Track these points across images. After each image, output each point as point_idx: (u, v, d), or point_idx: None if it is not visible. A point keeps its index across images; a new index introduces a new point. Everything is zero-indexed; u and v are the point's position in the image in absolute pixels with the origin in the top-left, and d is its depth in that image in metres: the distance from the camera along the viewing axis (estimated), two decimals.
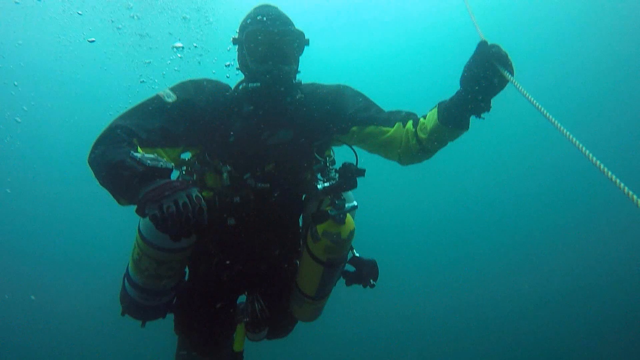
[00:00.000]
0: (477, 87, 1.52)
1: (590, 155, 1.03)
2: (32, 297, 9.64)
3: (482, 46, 1.48)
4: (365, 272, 2.11)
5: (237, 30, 1.89)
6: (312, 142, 1.98)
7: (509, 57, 1.46)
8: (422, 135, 1.81)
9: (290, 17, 1.87)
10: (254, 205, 1.92)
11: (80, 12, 8.54)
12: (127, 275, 1.98)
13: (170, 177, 1.40)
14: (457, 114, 1.64)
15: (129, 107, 1.75)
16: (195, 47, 6.54)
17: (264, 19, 1.77)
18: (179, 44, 6.48)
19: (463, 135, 1.76)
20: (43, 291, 9.72)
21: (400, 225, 13.79)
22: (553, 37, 13.49)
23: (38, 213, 12.08)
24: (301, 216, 2.20)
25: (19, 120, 11.87)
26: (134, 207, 1.33)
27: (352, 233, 1.85)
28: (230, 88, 1.95)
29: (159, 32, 8.02)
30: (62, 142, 12.64)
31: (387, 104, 2.02)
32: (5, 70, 10.98)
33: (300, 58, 1.89)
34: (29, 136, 12.52)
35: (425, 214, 14.08)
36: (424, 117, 1.84)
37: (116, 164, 1.42)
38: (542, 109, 1.20)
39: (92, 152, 1.57)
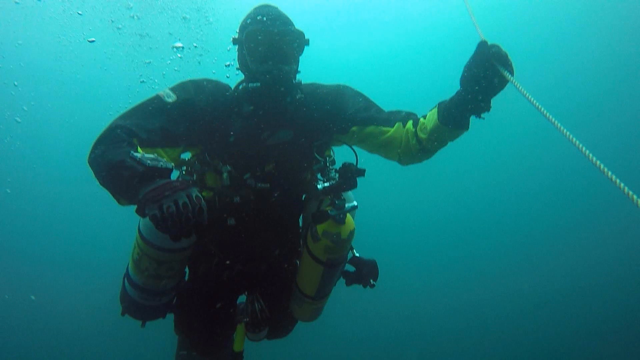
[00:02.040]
0: (477, 87, 1.52)
1: (590, 155, 1.03)
2: (32, 297, 9.64)
3: (482, 46, 1.48)
4: (365, 272, 2.11)
5: (237, 30, 1.89)
6: (312, 142, 1.98)
7: (509, 57, 1.46)
8: (422, 135, 1.81)
9: (290, 17, 1.87)
10: (254, 205, 1.92)
11: (80, 12, 8.54)
12: (127, 275, 1.98)
13: (170, 177, 1.40)
14: (457, 114, 1.64)
15: (129, 107, 1.75)
16: (195, 47, 6.54)
17: (264, 19, 1.77)
18: (179, 44, 6.48)
19: (463, 135, 1.77)
20: (43, 291, 9.72)
21: (400, 225, 13.79)
22: (553, 37, 13.49)
23: (38, 213, 12.09)
24: (301, 216, 2.20)
25: (19, 120, 11.87)
26: (134, 207, 1.33)
27: (352, 233, 1.85)
28: (230, 88, 1.95)
29: (159, 32, 8.02)
30: (62, 142, 12.64)
31: (387, 104, 2.02)
32: (5, 70, 10.98)
33: (300, 58, 1.88)
34: (29, 136, 12.53)
35: (426, 214, 14.08)
36: (424, 117, 1.84)
37: (116, 164, 1.42)
38: (542, 109, 1.20)
39: (92, 152, 1.57)
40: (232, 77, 2.05)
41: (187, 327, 2.24)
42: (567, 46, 13.59)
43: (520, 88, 1.31)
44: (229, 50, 2.00)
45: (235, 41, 1.87)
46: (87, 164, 1.58)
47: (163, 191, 1.27)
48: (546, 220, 12.34)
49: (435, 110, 1.75)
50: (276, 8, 1.87)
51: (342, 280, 2.14)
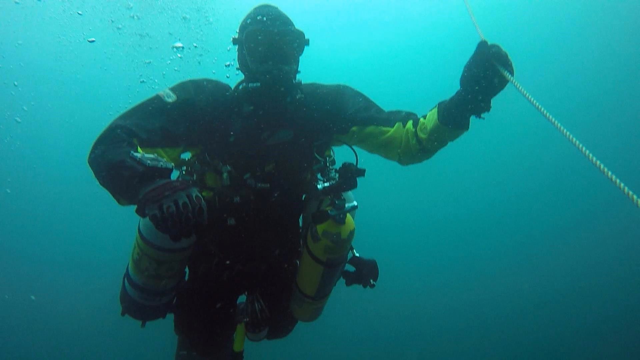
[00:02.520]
0: (477, 87, 1.52)
1: (590, 155, 1.03)
2: (32, 297, 9.64)
3: (482, 46, 1.48)
4: (365, 272, 2.11)
5: (237, 30, 1.89)
6: (312, 142, 1.98)
7: (509, 57, 1.46)
8: (422, 135, 1.81)
9: (290, 17, 1.87)
10: (254, 205, 1.92)
11: (80, 12, 8.54)
12: (127, 275, 1.98)
13: (170, 177, 1.40)
14: (457, 114, 1.64)
15: (129, 107, 1.75)
16: (195, 47, 6.54)
17: (264, 19, 1.77)
18: (179, 44, 6.48)
19: (463, 135, 1.77)
20: (43, 291, 9.72)
21: (400, 225, 13.79)
22: (553, 37, 13.49)
23: (38, 213, 12.09)
24: (301, 216, 2.20)
25: (19, 120, 11.87)
26: (134, 207, 1.33)
27: (352, 233, 1.85)
28: (230, 88, 1.95)
29: (159, 32, 8.02)
30: (62, 142, 12.64)
31: (387, 104, 2.02)
32: (5, 70, 10.98)
33: (300, 58, 1.89)
34: (29, 136, 12.53)
35: (426, 214, 14.08)
36: (424, 117, 1.84)
37: (116, 164, 1.42)
38: (542, 109, 1.20)
39: (92, 152, 1.57)
40: (232, 77, 2.05)
41: (187, 327, 2.24)
42: (567, 46, 13.59)
43: (520, 88, 1.31)
44: (229, 50, 2.00)
45: (235, 41, 1.87)
46: (87, 164, 1.58)
47: (163, 191, 1.27)
48: (546, 221, 12.34)
49: (435, 110, 1.75)
50: (276, 8, 1.87)
51: (342, 280, 2.14)
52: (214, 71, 3.07)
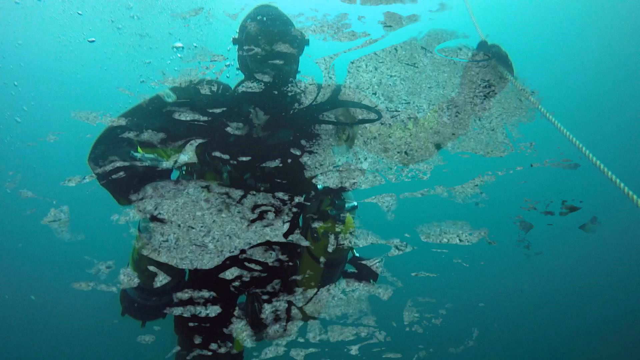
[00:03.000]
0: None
1: (590, 155, 1.03)
2: (32, 297, 9.64)
3: (482, 46, 1.48)
4: (365, 273, 2.11)
5: (237, 30, 1.89)
6: (312, 142, 1.98)
7: (509, 57, 1.46)
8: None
9: (290, 17, 1.87)
10: None
11: (80, 12, 8.53)
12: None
13: (170, 177, 1.40)
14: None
15: (129, 107, 1.75)
16: (195, 47, 6.54)
17: (264, 19, 1.77)
18: (179, 44, 6.48)
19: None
20: (43, 291, 9.72)
21: (400, 225, 13.79)
22: (553, 37, 13.49)
23: (38, 213, 12.07)
24: (301, 216, 2.20)
25: (19, 120, 11.85)
26: (134, 207, 1.33)
27: (352, 233, 1.85)
28: (230, 88, 1.95)
29: (159, 32, 8.01)
30: (62, 142, 12.63)
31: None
32: (5, 70, 10.97)
33: (300, 58, 1.88)
34: (29, 136, 12.52)
35: (425, 213, 14.07)
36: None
37: (116, 164, 1.42)
38: (542, 109, 1.20)
39: (92, 152, 1.58)
40: (232, 77, 2.05)
41: (187, 327, 2.24)
42: (567, 46, 13.59)
43: (520, 88, 1.31)
44: (229, 50, 2.00)
45: (235, 41, 1.87)
46: (87, 164, 1.58)
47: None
48: (546, 220, 12.33)
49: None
50: (276, 8, 1.87)
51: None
52: (214, 71, 3.06)
